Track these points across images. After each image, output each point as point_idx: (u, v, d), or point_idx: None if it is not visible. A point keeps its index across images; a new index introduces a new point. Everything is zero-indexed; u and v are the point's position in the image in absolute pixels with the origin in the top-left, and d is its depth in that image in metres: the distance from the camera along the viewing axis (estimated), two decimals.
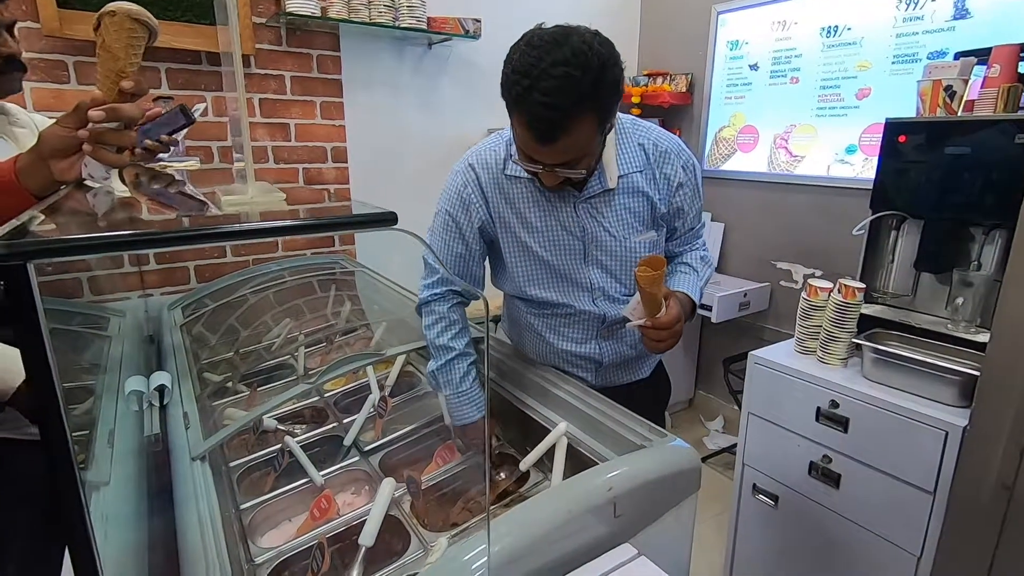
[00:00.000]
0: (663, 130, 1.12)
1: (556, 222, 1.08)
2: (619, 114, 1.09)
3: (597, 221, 1.07)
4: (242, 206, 0.52)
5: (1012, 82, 1.38)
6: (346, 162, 2.25)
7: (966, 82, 1.48)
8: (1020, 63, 1.41)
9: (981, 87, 1.45)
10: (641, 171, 1.07)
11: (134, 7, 0.63)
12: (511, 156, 1.06)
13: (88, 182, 0.67)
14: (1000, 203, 1.31)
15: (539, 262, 1.11)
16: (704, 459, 2.56)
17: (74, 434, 0.93)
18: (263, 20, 1.96)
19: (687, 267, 1.18)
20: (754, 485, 1.65)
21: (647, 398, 1.25)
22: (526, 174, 1.04)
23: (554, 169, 0.93)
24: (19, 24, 1.59)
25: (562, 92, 0.81)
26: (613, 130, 1.05)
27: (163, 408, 1.16)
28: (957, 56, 1.55)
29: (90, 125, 0.63)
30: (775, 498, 1.60)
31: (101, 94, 0.64)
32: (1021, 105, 1.39)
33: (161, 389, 1.19)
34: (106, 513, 0.77)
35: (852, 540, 1.44)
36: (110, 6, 0.63)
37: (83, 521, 0.36)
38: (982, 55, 1.47)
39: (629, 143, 1.08)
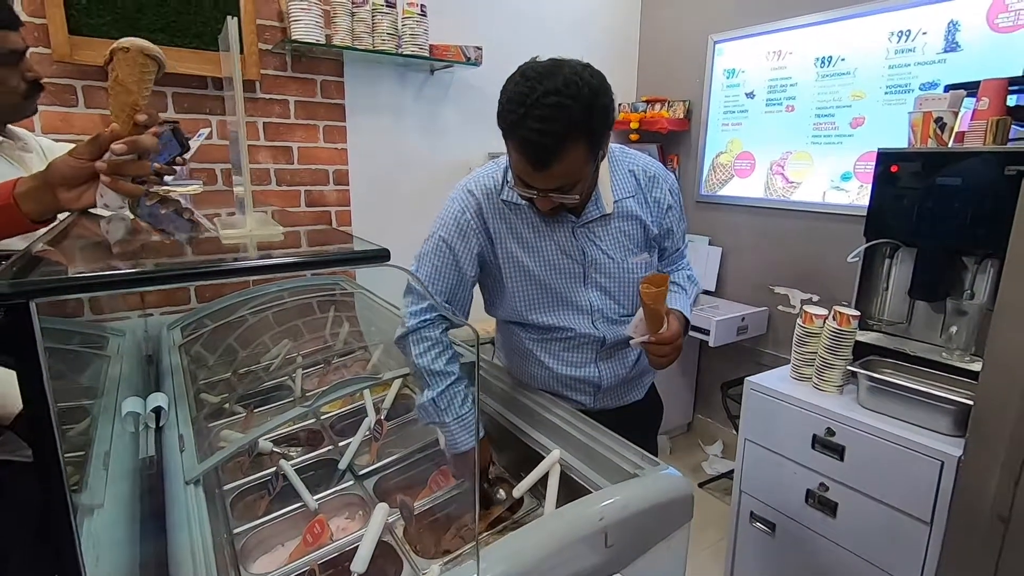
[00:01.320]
0: (648, 157, 1.18)
1: (555, 246, 1.10)
2: (615, 146, 1.14)
3: (595, 245, 1.11)
4: (240, 240, 0.53)
5: (1001, 115, 1.41)
6: (348, 185, 2.28)
7: (956, 114, 1.51)
8: (1008, 96, 1.44)
9: (971, 119, 1.48)
10: (633, 196, 1.13)
11: (146, 44, 0.66)
12: (508, 183, 1.08)
13: (101, 211, 0.69)
14: (991, 233, 1.33)
15: (540, 286, 1.13)
16: (702, 484, 2.54)
17: (69, 455, 0.94)
18: (269, 47, 2.01)
19: (676, 287, 1.23)
20: (751, 513, 1.64)
21: (640, 421, 1.27)
22: (523, 201, 1.06)
23: (548, 195, 0.96)
24: (30, 50, 1.64)
25: (554, 119, 0.85)
26: (606, 159, 1.08)
27: (159, 430, 1.16)
28: (947, 89, 1.58)
29: (107, 156, 0.65)
30: (772, 526, 1.59)
31: (119, 127, 0.67)
32: (1011, 137, 1.42)
33: (158, 411, 1.19)
34: (98, 536, 0.77)
35: (851, 570, 1.43)
36: (123, 42, 0.66)
37: (74, 550, 0.36)
38: (971, 88, 1.51)
39: (621, 170, 1.14)
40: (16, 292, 0.30)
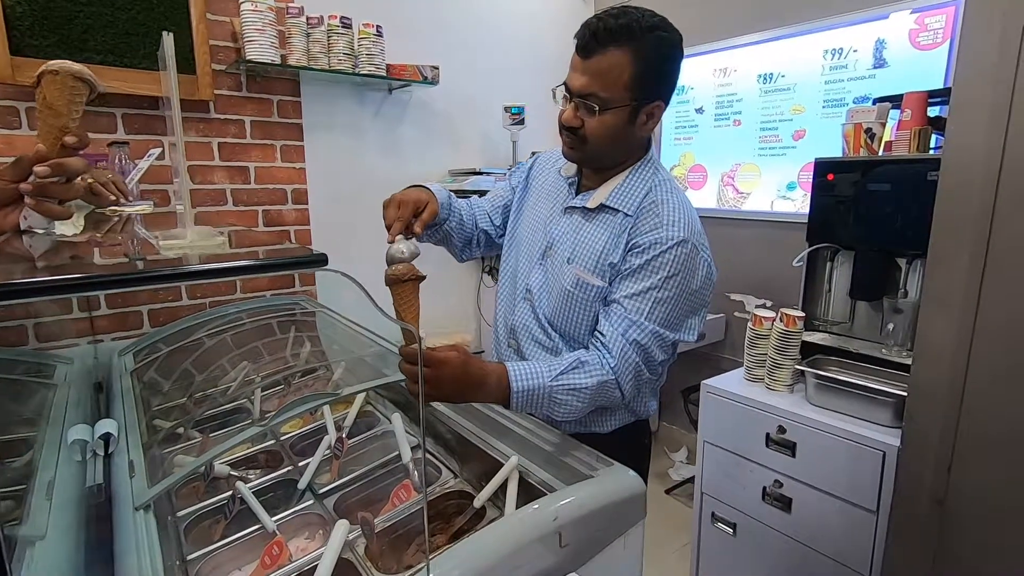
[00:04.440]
0: (685, 209, 1.01)
1: (547, 216, 1.15)
2: (664, 174, 1.07)
3: (568, 235, 1.09)
4: (180, 250, 0.53)
5: (922, 125, 1.52)
6: (307, 204, 2.27)
7: (884, 125, 1.61)
8: (929, 108, 1.55)
9: (897, 130, 1.58)
10: (627, 216, 1.03)
11: (76, 66, 0.64)
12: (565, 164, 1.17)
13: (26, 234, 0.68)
14: (918, 235, 1.41)
15: (515, 240, 1.21)
16: (669, 491, 2.58)
17: (7, 489, 0.90)
18: (223, 67, 2.00)
19: (562, 357, 0.99)
20: (712, 513, 1.67)
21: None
22: (567, 176, 1.15)
23: (574, 101, 0.98)
24: None
25: (615, 17, 0.93)
26: (632, 169, 1.05)
27: (108, 457, 1.13)
28: (875, 102, 1.69)
29: (32, 179, 0.64)
30: (733, 526, 1.63)
31: (44, 148, 0.65)
32: (932, 145, 1.53)
33: (107, 437, 1.15)
34: (39, 567, 0.75)
35: (808, 563, 1.47)
36: (52, 64, 0.64)
37: None
38: (896, 101, 1.62)
39: (638, 189, 1.04)
40: None
